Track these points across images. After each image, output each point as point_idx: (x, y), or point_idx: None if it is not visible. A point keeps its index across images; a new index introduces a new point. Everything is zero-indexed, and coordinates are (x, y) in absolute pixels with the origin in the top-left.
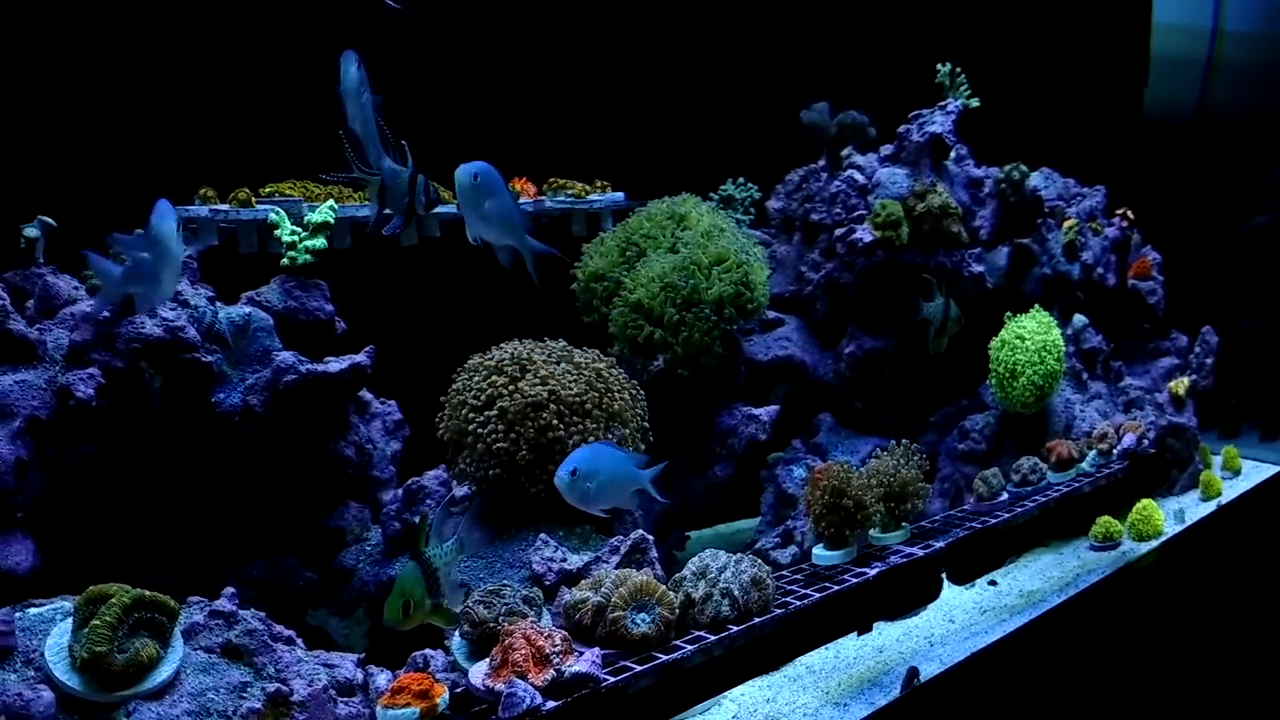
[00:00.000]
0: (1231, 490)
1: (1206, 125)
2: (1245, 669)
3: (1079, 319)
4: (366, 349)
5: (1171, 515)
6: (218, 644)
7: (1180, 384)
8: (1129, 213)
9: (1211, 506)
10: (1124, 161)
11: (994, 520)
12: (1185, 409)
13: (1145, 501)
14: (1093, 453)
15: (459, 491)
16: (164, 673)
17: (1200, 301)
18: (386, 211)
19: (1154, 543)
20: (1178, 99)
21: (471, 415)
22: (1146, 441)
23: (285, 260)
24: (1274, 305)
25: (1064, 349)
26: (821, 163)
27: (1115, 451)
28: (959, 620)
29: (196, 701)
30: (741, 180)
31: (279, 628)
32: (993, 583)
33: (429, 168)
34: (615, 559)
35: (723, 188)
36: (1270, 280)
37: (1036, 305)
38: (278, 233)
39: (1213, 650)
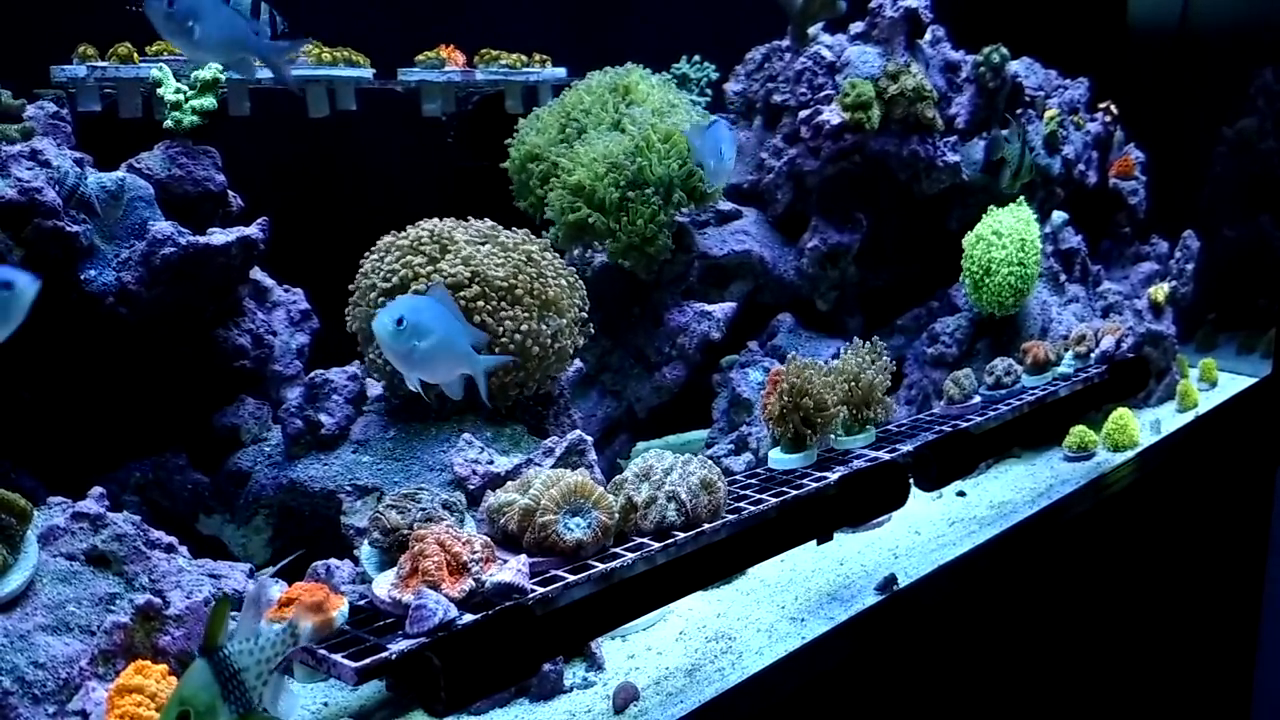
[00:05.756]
0: (1208, 402)
1: (1190, 31)
2: (1216, 579)
3: (1058, 216)
4: (259, 221)
5: (1147, 426)
6: (81, 550)
7: (1160, 290)
8: (1112, 107)
9: (1188, 417)
10: (1107, 60)
11: (966, 423)
12: (1164, 316)
13: (1121, 411)
14: (1069, 355)
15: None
16: (13, 582)
17: (1182, 207)
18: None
19: (1130, 453)
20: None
21: (382, 300)
22: (1125, 345)
23: (169, 122)
24: (1257, 212)
25: (1042, 247)
26: (786, 41)
27: (1094, 355)
28: (926, 532)
29: (54, 615)
30: (697, 59)
31: (156, 533)
32: (961, 494)
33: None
34: (549, 462)
35: (676, 67)
36: (1254, 186)
37: (1020, 199)
38: (161, 91)
39: (1187, 562)
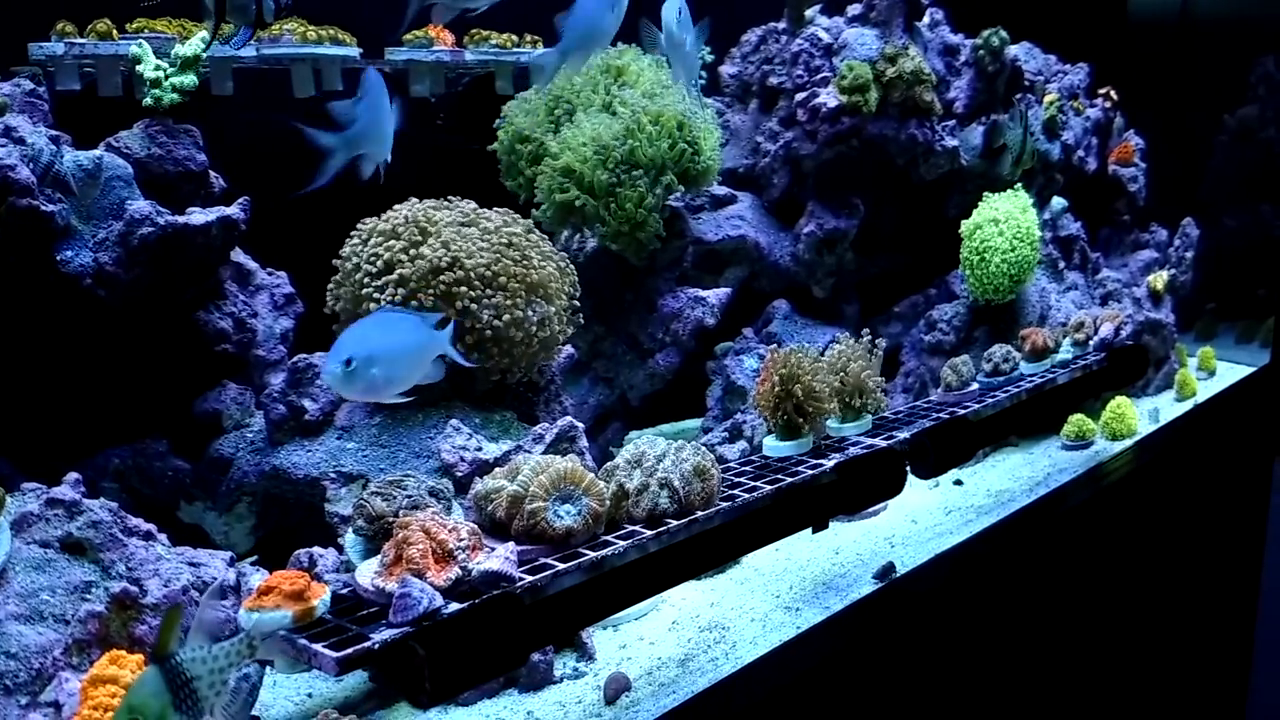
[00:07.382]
0: (1206, 391)
1: (1191, 18)
2: (1214, 569)
3: (1058, 202)
4: (240, 200)
5: (1146, 414)
6: (56, 537)
7: (1159, 278)
8: (1112, 93)
9: (1187, 406)
10: (1107, 45)
11: (964, 411)
12: (1163, 305)
13: (1119, 399)
14: (1068, 342)
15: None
16: None
17: (1182, 195)
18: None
19: (1128, 442)
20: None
21: (368, 281)
22: (1124, 333)
23: (148, 100)
24: (1258, 201)
25: (1040, 234)
26: (782, 23)
27: (1092, 343)
28: (922, 521)
29: (27, 603)
30: None
31: (134, 520)
32: (958, 482)
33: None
34: (539, 448)
35: None
36: (1254, 175)
37: (1018, 185)
38: (140, 68)
39: (1184, 552)
